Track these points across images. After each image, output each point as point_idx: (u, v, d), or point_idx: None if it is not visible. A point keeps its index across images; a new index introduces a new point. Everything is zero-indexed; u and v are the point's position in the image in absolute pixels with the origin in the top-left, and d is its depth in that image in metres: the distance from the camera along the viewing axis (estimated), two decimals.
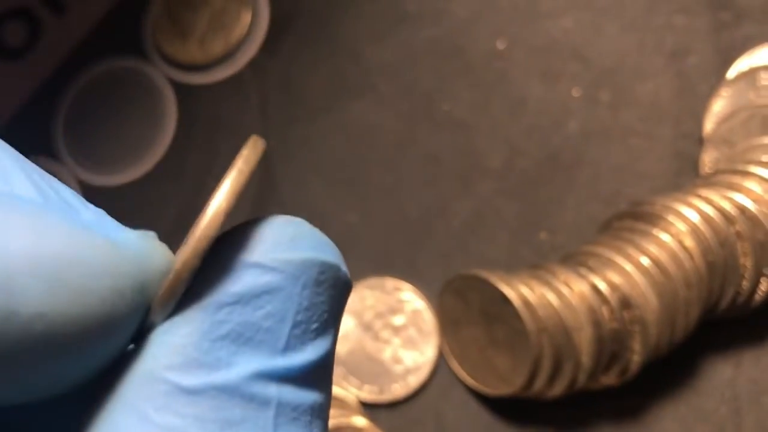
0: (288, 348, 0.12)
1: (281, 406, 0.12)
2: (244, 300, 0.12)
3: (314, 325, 0.12)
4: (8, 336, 0.10)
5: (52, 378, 0.11)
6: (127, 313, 0.11)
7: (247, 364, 0.12)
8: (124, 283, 0.11)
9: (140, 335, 0.12)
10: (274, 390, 0.12)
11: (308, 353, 0.12)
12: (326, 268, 0.13)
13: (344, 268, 0.13)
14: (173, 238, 0.13)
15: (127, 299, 0.11)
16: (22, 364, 0.10)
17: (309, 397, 0.12)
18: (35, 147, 0.43)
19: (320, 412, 0.13)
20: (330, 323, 0.13)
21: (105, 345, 0.11)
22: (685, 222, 0.31)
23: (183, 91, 0.42)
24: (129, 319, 0.11)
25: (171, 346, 0.12)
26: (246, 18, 0.42)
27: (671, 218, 0.32)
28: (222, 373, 0.11)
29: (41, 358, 0.10)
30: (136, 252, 0.12)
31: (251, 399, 0.11)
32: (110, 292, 0.11)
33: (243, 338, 0.12)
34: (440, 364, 0.36)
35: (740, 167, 0.32)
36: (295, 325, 0.12)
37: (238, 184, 0.12)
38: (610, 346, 0.31)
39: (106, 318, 0.11)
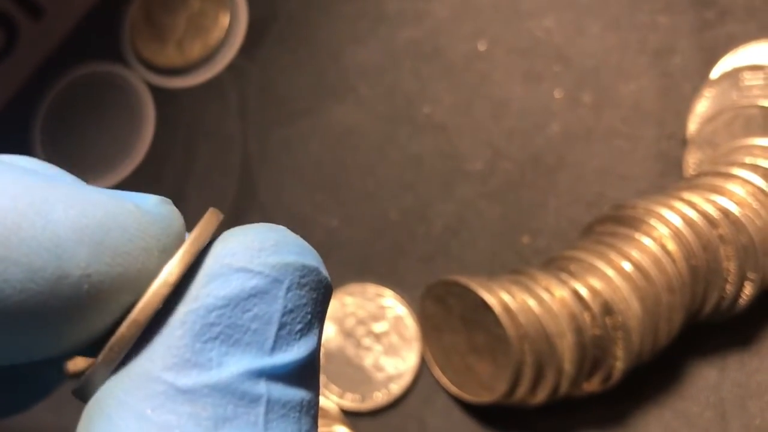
0: (275, 348, 0.13)
1: (271, 403, 0.12)
2: (232, 303, 0.12)
3: (299, 326, 0.13)
4: (60, 295, 0.11)
5: (91, 329, 0.12)
6: (154, 270, 0.12)
7: (237, 363, 0.12)
8: (152, 244, 0.12)
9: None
10: (263, 388, 0.12)
11: (294, 353, 0.13)
12: (308, 271, 0.13)
13: (324, 271, 0.14)
14: None
15: (154, 258, 0.12)
16: (71, 320, 0.12)
17: (297, 394, 0.13)
18: (12, 153, 0.42)
19: (309, 409, 0.13)
20: (314, 324, 0.14)
21: (134, 300, 0.12)
22: (668, 226, 0.31)
23: (161, 95, 0.42)
24: (155, 277, 0.13)
25: (165, 347, 0.12)
26: (224, 21, 0.42)
27: (653, 222, 0.31)
28: (214, 373, 0.12)
29: (87, 314, 0.12)
30: (159, 216, 0.13)
31: (242, 396, 0.12)
32: (142, 252, 0.12)
33: (232, 339, 0.12)
34: (422, 371, 0.35)
35: (723, 169, 0.32)
36: (281, 327, 0.13)
37: (188, 257, 0.13)
38: (593, 352, 0.31)
39: (138, 275, 0.12)
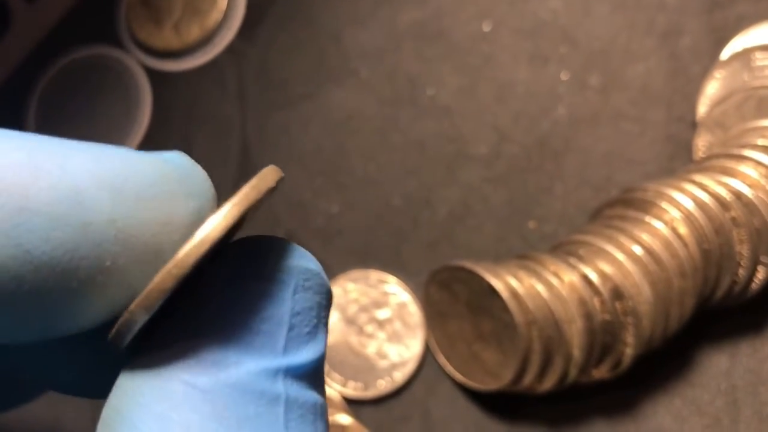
0: (287, 350, 0.13)
1: (289, 403, 0.12)
2: (242, 304, 0.13)
3: (306, 329, 0.13)
4: (88, 242, 0.11)
5: (130, 282, 0.12)
6: (184, 214, 0.12)
7: (254, 363, 0.12)
8: (176, 188, 0.12)
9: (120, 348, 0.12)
10: (281, 387, 0.12)
11: (305, 355, 0.13)
12: (311, 275, 0.14)
13: (325, 277, 0.14)
14: None
15: (181, 202, 0.12)
16: (105, 271, 0.11)
17: (311, 396, 0.13)
18: None
19: (322, 413, 0.13)
20: (320, 328, 0.14)
21: (169, 246, 0.12)
22: (679, 209, 0.30)
23: (158, 79, 0.41)
24: (186, 221, 0.12)
25: (182, 348, 0.12)
26: (222, 2, 0.41)
27: (664, 205, 0.30)
28: (232, 372, 0.12)
29: (120, 262, 0.11)
30: (179, 163, 0.13)
31: (261, 395, 0.12)
32: (167, 196, 0.12)
33: (246, 341, 0.12)
34: (427, 358, 0.34)
35: (735, 151, 0.31)
36: (290, 328, 0.13)
37: (237, 210, 0.12)
38: (602, 338, 0.30)
39: (167, 219, 0.12)
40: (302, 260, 0.14)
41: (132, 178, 0.12)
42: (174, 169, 0.13)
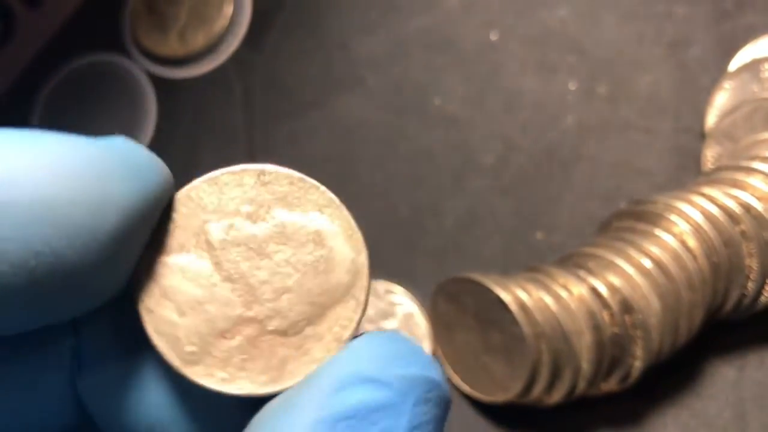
0: None
1: None
2: (360, 414, 0.12)
3: None
4: (12, 223, 0.10)
5: (66, 268, 0.11)
6: (121, 196, 0.12)
7: None
8: (114, 170, 0.12)
9: None
10: None
11: None
12: (433, 386, 0.13)
13: (446, 387, 0.13)
14: None
15: (118, 183, 0.12)
16: (35, 254, 0.11)
17: None
18: None
19: None
20: None
21: (104, 228, 0.12)
22: (688, 221, 0.30)
23: (163, 87, 0.41)
24: (123, 202, 0.12)
25: None
26: (228, 9, 0.41)
27: (673, 218, 0.30)
28: None
29: (53, 244, 0.11)
30: (120, 147, 0.12)
31: None
32: (102, 178, 0.12)
33: None
34: None
35: (744, 164, 0.31)
36: None
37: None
38: (611, 351, 0.30)
39: (102, 199, 0.12)
40: (426, 369, 0.13)
41: (64, 161, 0.11)
42: (113, 153, 0.12)
